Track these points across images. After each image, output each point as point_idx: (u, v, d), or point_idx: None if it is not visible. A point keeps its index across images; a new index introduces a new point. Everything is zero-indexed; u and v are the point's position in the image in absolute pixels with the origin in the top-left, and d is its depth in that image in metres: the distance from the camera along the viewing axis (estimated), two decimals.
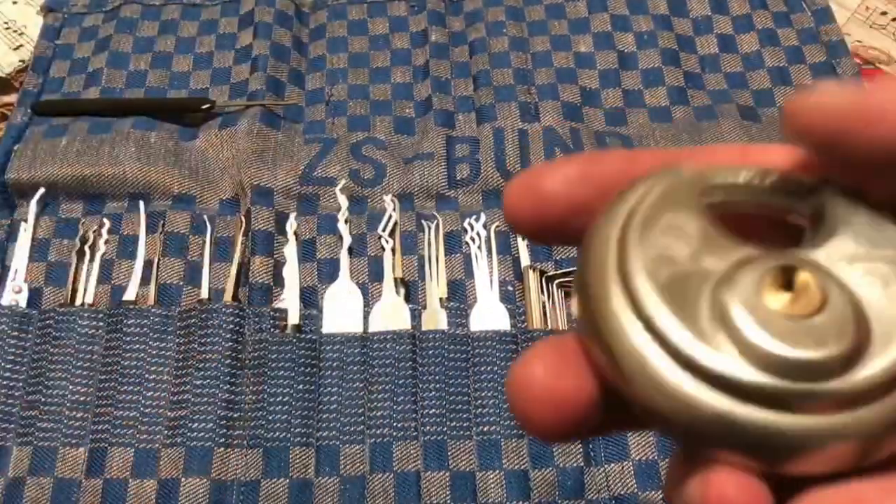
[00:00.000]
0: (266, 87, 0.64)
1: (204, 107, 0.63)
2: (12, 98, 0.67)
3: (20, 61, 0.70)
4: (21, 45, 0.71)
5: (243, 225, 0.57)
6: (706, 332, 0.18)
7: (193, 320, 0.54)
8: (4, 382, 0.52)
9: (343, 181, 0.60)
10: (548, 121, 0.62)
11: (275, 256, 0.56)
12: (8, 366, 0.53)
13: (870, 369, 0.17)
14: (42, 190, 0.59)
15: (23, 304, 0.55)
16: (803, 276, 0.18)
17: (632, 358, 0.18)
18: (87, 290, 0.56)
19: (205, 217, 0.58)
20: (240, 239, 0.57)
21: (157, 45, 0.69)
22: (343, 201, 0.58)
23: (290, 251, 0.57)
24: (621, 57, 0.67)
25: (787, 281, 0.18)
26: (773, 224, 0.21)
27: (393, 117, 0.64)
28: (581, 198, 0.20)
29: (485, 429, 0.50)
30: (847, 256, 0.19)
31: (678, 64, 0.66)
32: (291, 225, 0.58)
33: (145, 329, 0.53)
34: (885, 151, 0.18)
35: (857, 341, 0.17)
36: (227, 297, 0.55)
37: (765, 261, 0.18)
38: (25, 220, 0.58)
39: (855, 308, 0.18)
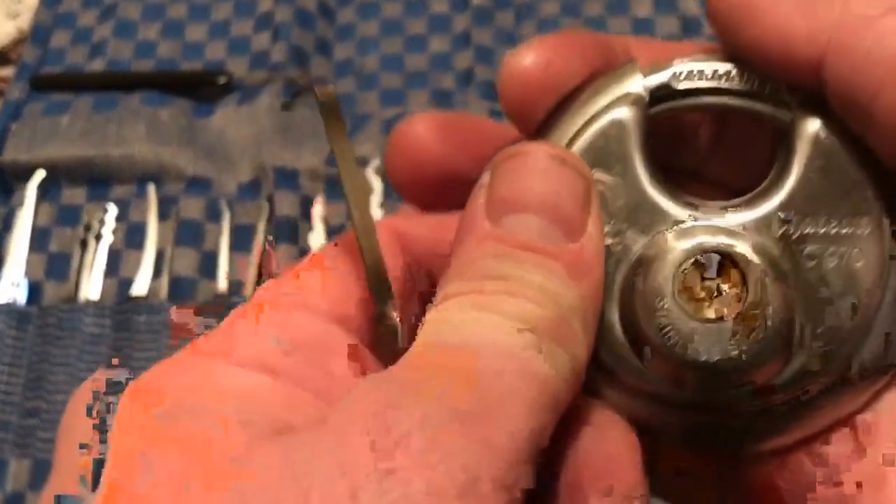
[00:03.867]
0: (289, 58, 0.62)
1: (220, 80, 0.61)
2: (9, 71, 0.65)
3: (17, 31, 0.68)
4: (18, 14, 0.69)
5: (266, 211, 0.56)
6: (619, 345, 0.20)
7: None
8: (1, 388, 0.51)
9: (376, 161, 0.57)
10: None
11: (300, 245, 0.54)
12: (5, 368, 0.51)
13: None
14: (42, 173, 0.58)
15: (21, 300, 0.54)
16: (728, 276, 0.19)
17: None
18: (92, 284, 0.54)
19: (222, 202, 0.57)
20: (261, 226, 0.55)
21: (168, 11, 0.67)
22: (376, 184, 0.56)
23: (317, 239, 0.55)
24: (685, 22, 0.63)
25: (710, 265, 0.19)
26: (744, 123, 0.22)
27: (430, 90, 0.62)
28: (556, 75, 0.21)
29: None
30: (802, 211, 0.19)
31: None
32: (318, 210, 0.56)
33: (157, 326, 0.52)
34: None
35: (763, 352, 0.19)
36: (248, 290, 0.53)
37: (688, 237, 0.19)
38: (23, 206, 0.57)
39: (776, 313, 0.19)
